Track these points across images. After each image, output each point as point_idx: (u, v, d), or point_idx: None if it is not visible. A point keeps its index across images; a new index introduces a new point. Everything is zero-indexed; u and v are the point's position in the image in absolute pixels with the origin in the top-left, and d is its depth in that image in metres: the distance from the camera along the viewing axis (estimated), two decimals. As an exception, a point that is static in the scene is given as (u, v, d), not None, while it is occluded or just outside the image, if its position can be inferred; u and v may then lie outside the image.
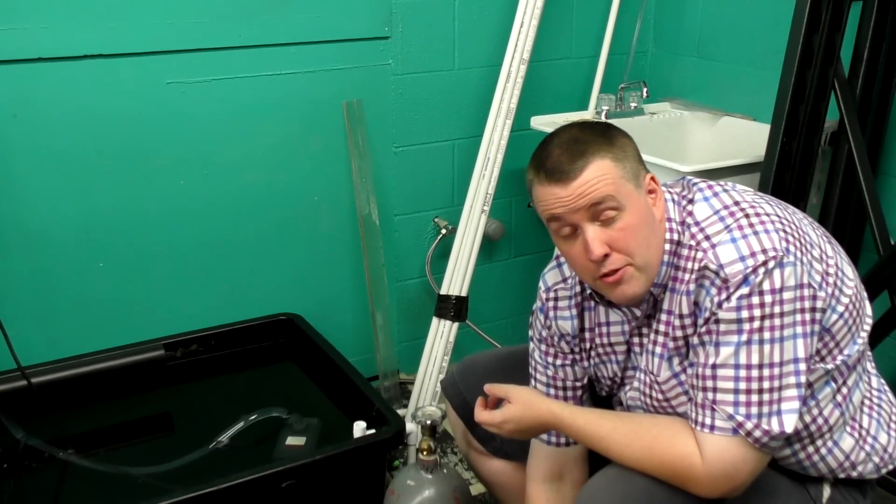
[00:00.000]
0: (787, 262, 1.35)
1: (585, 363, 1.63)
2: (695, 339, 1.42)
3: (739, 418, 1.36)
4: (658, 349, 1.49)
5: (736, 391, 1.36)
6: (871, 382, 1.56)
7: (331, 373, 2.30)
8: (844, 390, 1.48)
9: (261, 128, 2.41)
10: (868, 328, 1.50)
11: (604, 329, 1.58)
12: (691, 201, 1.47)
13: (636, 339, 1.55)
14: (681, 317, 1.44)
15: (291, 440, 2.11)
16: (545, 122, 2.57)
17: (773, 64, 2.21)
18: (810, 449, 1.49)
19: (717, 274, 1.37)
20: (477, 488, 2.28)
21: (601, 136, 1.41)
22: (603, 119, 2.62)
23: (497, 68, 2.50)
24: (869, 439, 1.52)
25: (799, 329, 1.36)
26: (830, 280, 1.42)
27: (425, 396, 2.53)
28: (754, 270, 1.34)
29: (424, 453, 1.83)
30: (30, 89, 2.12)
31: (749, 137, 2.43)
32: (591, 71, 2.74)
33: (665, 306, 1.47)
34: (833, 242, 1.51)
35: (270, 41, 2.34)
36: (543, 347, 1.66)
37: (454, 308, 2.53)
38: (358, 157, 2.51)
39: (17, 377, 2.10)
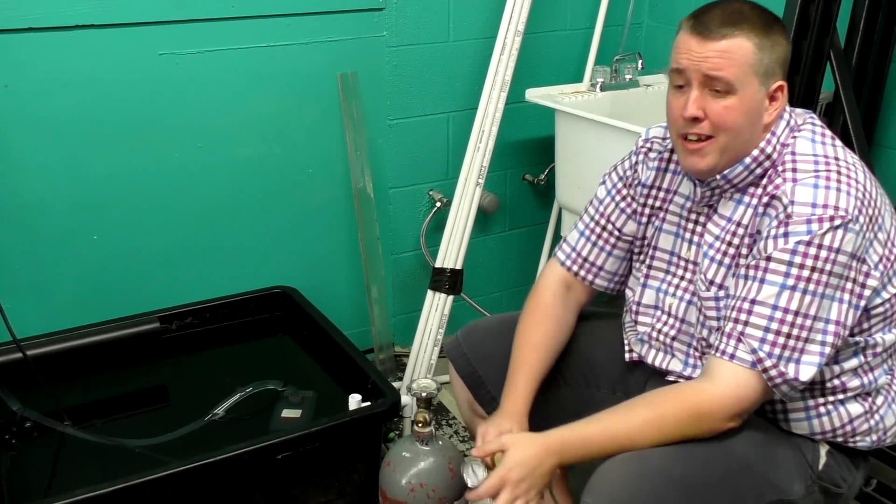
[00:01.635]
0: (851, 227, 1.39)
1: (643, 219, 1.68)
2: (741, 270, 1.46)
3: (761, 354, 1.40)
4: (711, 252, 1.54)
5: (766, 329, 1.41)
6: None
7: (326, 345, 2.30)
8: (867, 367, 1.52)
9: (255, 100, 2.39)
10: None
11: (670, 196, 1.64)
12: (800, 130, 1.50)
13: (689, 225, 1.60)
14: (738, 224, 1.50)
15: (287, 412, 2.12)
16: (540, 95, 2.56)
17: (769, 35, 2.20)
18: (819, 399, 1.52)
19: (784, 207, 1.41)
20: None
21: (762, 21, 1.44)
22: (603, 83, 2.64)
23: (492, 40, 2.48)
24: (877, 416, 1.55)
25: (844, 296, 1.41)
26: (887, 265, 1.46)
27: (420, 369, 2.54)
28: (819, 220, 1.38)
29: (420, 425, 1.83)
30: (21, 60, 2.10)
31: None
32: (586, 43, 2.73)
33: (728, 213, 1.52)
34: None
35: (264, 12, 2.32)
36: (619, 185, 1.73)
37: (449, 281, 2.53)
38: (352, 129, 2.50)
39: (13, 349, 2.10)
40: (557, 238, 2.82)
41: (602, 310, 1.92)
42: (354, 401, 2.01)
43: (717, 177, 1.51)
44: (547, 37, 2.73)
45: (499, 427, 1.57)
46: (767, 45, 1.43)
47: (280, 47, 2.37)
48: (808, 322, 1.40)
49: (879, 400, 1.55)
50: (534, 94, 2.57)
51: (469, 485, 1.50)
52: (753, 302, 1.42)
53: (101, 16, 2.14)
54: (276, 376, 2.21)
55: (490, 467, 1.49)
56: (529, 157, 2.85)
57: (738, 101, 1.43)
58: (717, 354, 1.45)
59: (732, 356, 1.42)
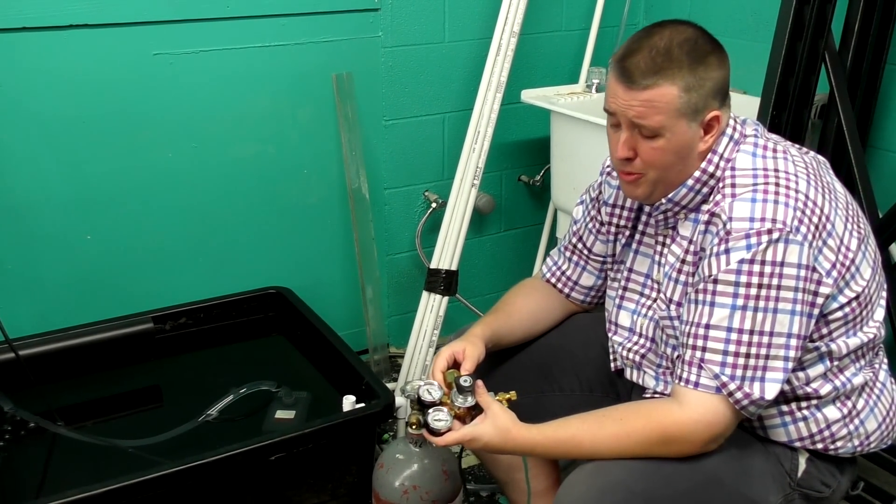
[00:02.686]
0: (792, 239, 1.38)
1: (610, 237, 1.71)
2: (690, 294, 1.46)
3: (724, 378, 1.40)
4: (671, 271, 1.55)
5: (725, 353, 1.40)
6: (879, 376, 1.58)
7: (320, 346, 2.30)
8: (836, 370, 1.51)
9: (249, 100, 2.39)
10: (872, 332, 1.52)
11: (633, 214, 1.67)
12: (744, 143, 1.50)
13: (658, 248, 1.61)
14: (690, 242, 1.51)
15: (281, 413, 2.12)
16: (536, 96, 2.56)
17: (764, 36, 2.20)
18: (793, 405, 1.51)
19: (724, 224, 1.41)
20: (466, 461, 2.29)
21: (690, 59, 1.42)
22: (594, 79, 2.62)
23: (487, 41, 2.48)
24: (857, 420, 1.53)
25: (797, 307, 1.39)
26: (842, 271, 1.44)
27: (415, 370, 2.53)
28: (757, 234, 1.38)
29: (413, 427, 1.82)
30: (14, 59, 2.09)
31: (739, 110, 2.36)
32: (582, 44, 2.73)
33: (687, 234, 1.53)
34: (865, 241, 1.51)
35: (259, 12, 2.32)
36: (590, 205, 1.77)
37: (444, 282, 2.52)
38: (347, 130, 2.49)
39: (5, 349, 2.09)
40: (553, 239, 2.81)
41: (598, 312, 1.92)
42: (348, 402, 2.01)
43: (664, 200, 1.52)
44: (543, 38, 2.73)
45: (451, 347, 1.61)
46: (696, 84, 1.42)
47: (275, 47, 2.37)
48: (766, 339, 1.39)
49: (860, 403, 1.53)
50: (529, 96, 2.57)
51: (423, 399, 1.57)
52: (708, 327, 1.41)
53: (95, 15, 2.13)
54: (270, 377, 2.21)
55: (445, 391, 1.57)
56: (525, 158, 2.85)
57: (666, 141, 1.44)
58: (682, 384, 1.44)
59: (697, 384, 1.42)
